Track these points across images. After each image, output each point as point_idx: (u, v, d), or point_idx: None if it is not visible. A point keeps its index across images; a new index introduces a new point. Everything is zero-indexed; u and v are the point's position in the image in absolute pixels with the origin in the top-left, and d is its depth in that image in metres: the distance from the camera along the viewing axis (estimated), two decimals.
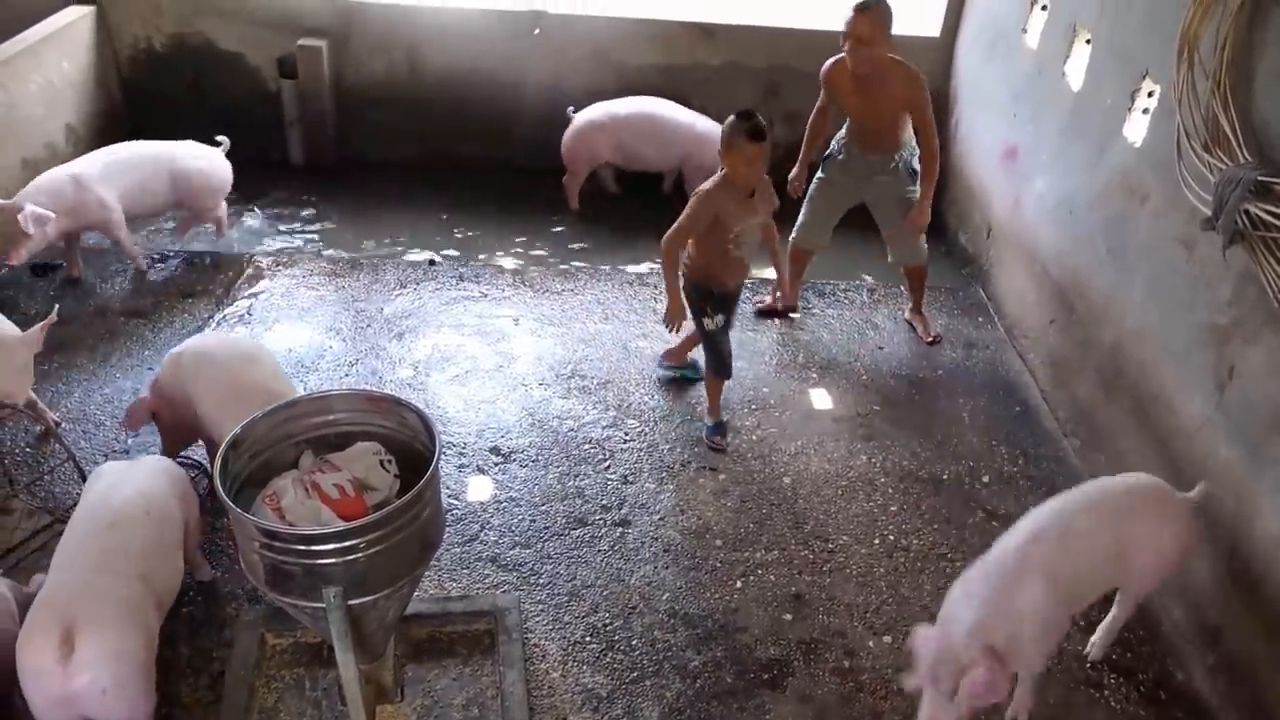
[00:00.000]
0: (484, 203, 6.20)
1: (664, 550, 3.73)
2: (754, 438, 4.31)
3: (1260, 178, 2.89)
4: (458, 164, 6.56)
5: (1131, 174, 3.97)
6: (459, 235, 5.91)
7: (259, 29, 6.20)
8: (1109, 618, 3.30)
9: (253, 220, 5.96)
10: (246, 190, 6.13)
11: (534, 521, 3.81)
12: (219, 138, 5.38)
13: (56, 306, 3.90)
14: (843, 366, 4.82)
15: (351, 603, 2.44)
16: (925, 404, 4.60)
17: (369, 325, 4.89)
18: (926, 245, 4.95)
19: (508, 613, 3.32)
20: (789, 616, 3.50)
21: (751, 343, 4.92)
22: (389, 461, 2.69)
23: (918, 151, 4.61)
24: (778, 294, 4.66)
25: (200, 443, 3.86)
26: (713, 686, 3.23)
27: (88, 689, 2.49)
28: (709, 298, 4.08)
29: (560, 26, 6.23)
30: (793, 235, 4.97)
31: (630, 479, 4.05)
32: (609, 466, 4.11)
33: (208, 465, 3.89)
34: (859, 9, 4.18)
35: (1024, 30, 5.16)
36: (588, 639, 3.36)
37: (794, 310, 5.18)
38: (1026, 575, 2.77)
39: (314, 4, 6.13)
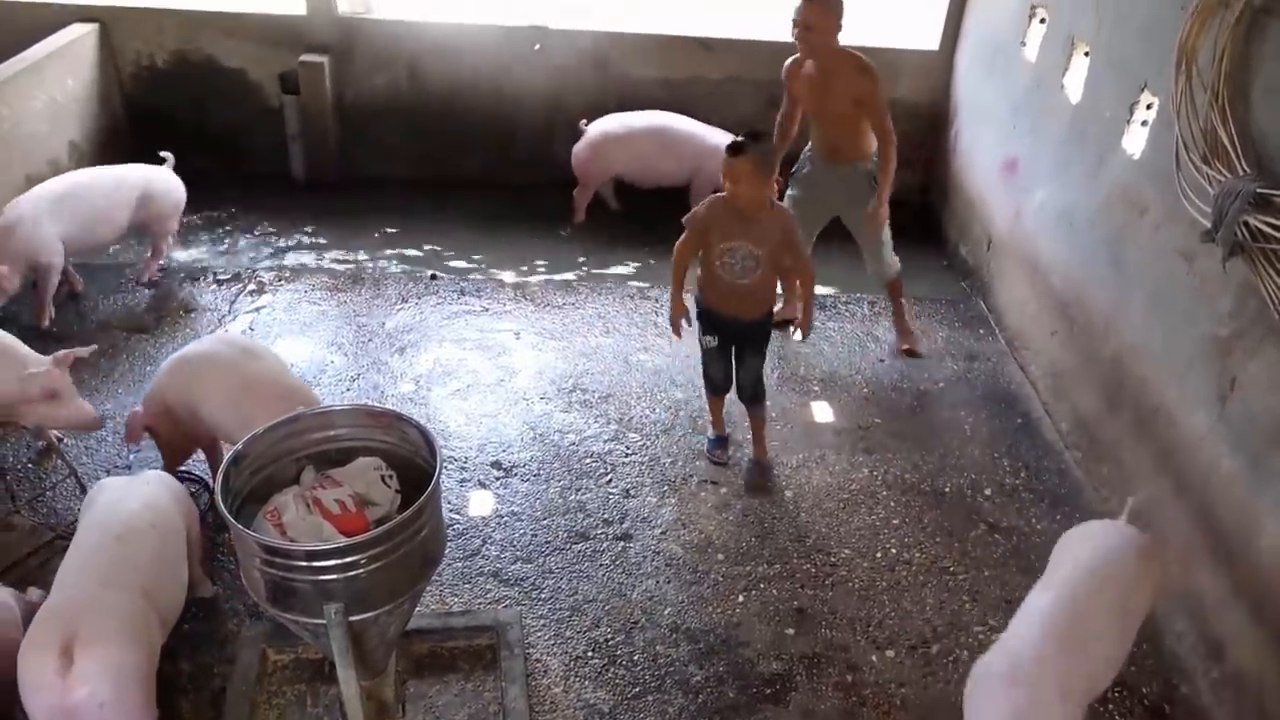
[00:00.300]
0: (485, 217, 6.22)
1: (666, 564, 3.72)
2: None
3: (1259, 190, 2.89)
4: (459, 178, 6.58)
5: (1131, 186, 3.98)
6: (460, 249, 5.92)
7: (261, 46, 6.23)
8: None
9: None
10: (248, 205, 6.18)
11: (535, 536, 3.81)
12: (164, 154, 5.28)
13: (94, 346, 3.89)
14: (844, 379, 4.82)
15: (353, 619, 2.44)
16: (927, 416, 4.60)
17: (370, 340, 4.89)
18: (897, 257, 4.92)
19: (509, 628, 3.31)
20: (791, 631, 3.49)
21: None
22: (390, 477, 2.69)
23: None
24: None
25: (202, 458, 3.87)
26: (715, 702, 3.22)
27: (86, 702, 2.49)
28: (701, 315, 4.05)
29: (561, 41, 6.26)
30: None
31: (632, 493, 4.04)
32: (610, 480, 4.10)
33: (209, 480, 3.90)
34: None
35: (1023, 43, 5.18)
36: (590, 654, 3.35)
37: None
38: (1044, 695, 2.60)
39: (316, 20, 6.16)
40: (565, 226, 6.16)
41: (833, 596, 3.63)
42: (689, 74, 6.32)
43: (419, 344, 4.88)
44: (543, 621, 3.45)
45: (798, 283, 4.20)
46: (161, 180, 5.10)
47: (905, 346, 5.02)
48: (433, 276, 5.51)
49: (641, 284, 5.58)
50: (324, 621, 2.41)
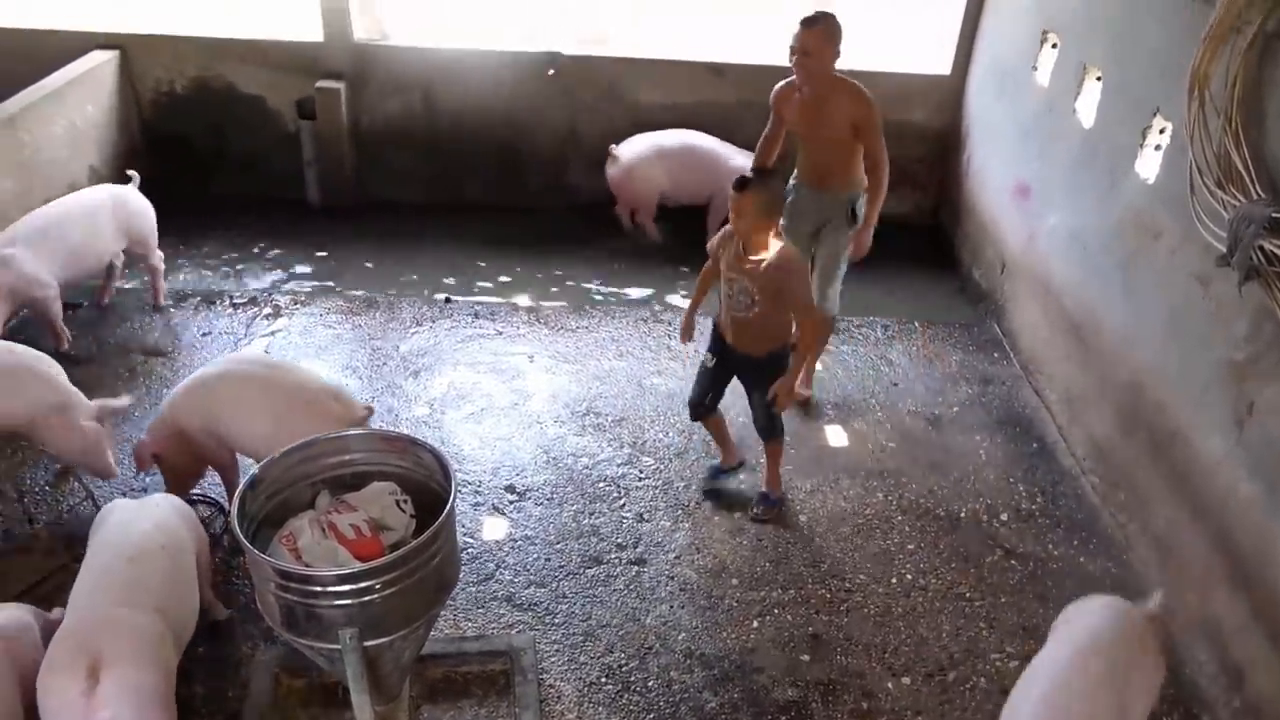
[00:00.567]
0: (499, 241, 6.25)
1: (680, 589, 3.71)
2: None
3: (1274, 214, 2.88)
4: (473, 203, 6.63)
5: (1144, 211, 3.97)
6: (474, 273, 5.95)
7: (279, 72, 6.30)
8: None
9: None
10: (265, 229, 6.23)
11: (549, 560, 3.80)
12: (130, 173, 5.23)
13: (129, 399, 3.93)
14: (857, 403, 4.81)
15: (367, 644, 2.44)
16: (941, 441, 4.58)
17: (385, 363, 4.91)
18: (839, 302, 4.67)
19: (523, 653, 3.30)
20: (806, 657, 3.47)
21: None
22: (405, 501, 2.70)
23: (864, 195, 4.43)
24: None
25: (218, 480, 3.88)
26: None
27: None
28: (712, 333, 4.01)
29: (574, 67, 6.31)
30: None
31: (645, 517, 4.04)
32: (624, 504, 4.10)
33: (224, 503, 3.91)
34: (806, 23, 4.10)
35: (1034, 68, 5.19)
36: (603, 680, 3.33)
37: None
38: None
39: (333, 46, 6.23)
40: (578, 251, 6.17)
41: (848, 622, 3.61)
42: (700, 99, 6.36)
43: (433, 367, 4.90)
44: (556, 647, 3.44)
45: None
46: (134, 200, 5.05)
47: (803, 393, 4.73)
48: (447, 300, 5.54)
49: (655, 308, 5.59)
50: (338, 646, 2.41)
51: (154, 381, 4.67)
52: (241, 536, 2.43)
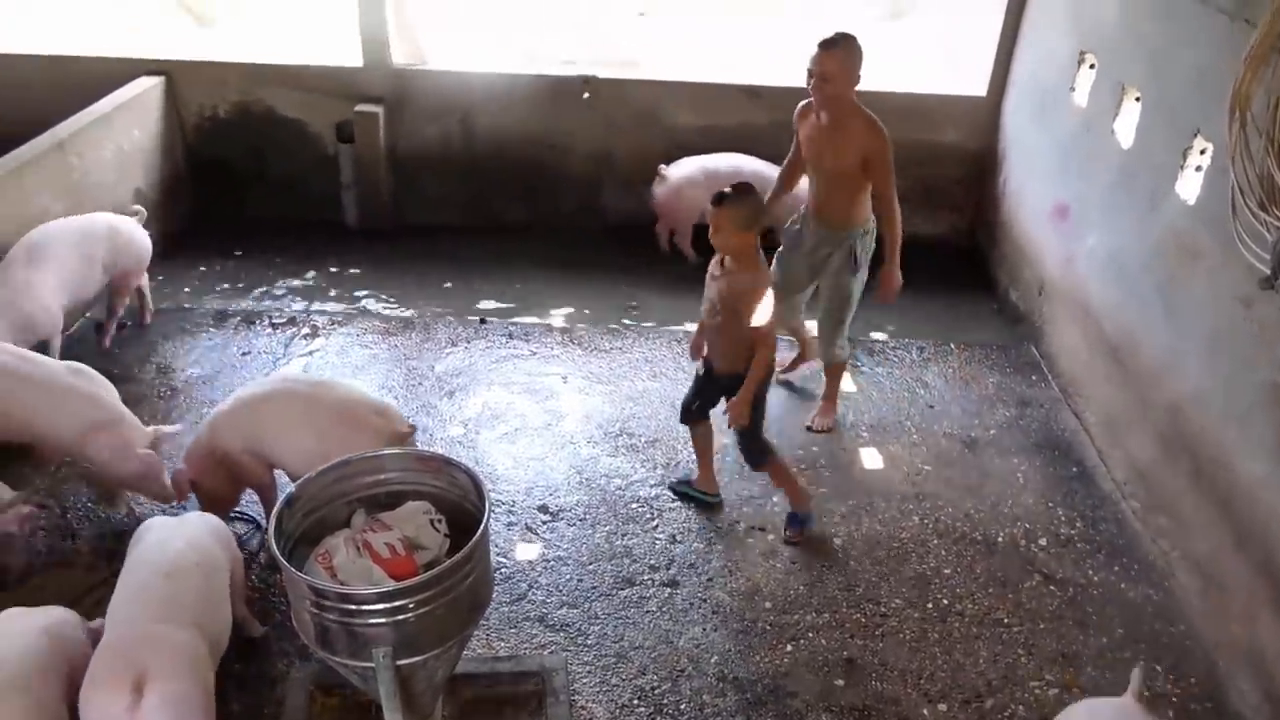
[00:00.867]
0: (534, 263, 6.29)
1: (713, 612, 3.69)
2: None
3: None
4: (508, 225, 6.68)
5: (1185, 232, 3.92)
6: (509, 294, 5.99)
7: (319, 97, 6.41)
8: None
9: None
10: (304, 251, 6.32)
11: (582, 581, 3.80)
12: (136, 207, 5.22)
13: (180, 426, 3.98)
14: (893, 425, 4.78)
15: (401, 662, 2.45)
16: (978, 464, 4.53)
17: (420, 383, 4.96)
18: (848, 344, 4.66)
19: (555, 674, 3.30)
20: (841, 682, 3.43)
21: (800, 401, 4.90)
22: (439, 521, 2.72)
23: (870, 235, 4.32)
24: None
25: (255, 498, 3.93)
26: None
27: None
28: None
29: (609, 90, 6.36)
30: None
31: (678, 539, 4.03)
32: (657, 526, 4.09)
33: (261, 521, 3.95)
34: (824, 45, 3.97)
35: (1072, 88, 5.16)
36: (635, 702, 3.32)
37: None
38: None
39: (372, 71, 6.33)
40: (613, 272, 6.20)
41: (883, 647, 3.57)
42: (736, 121, 6.37)
43: (468, 387, 4.93)
44: (588, 668, 3.44)
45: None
46: (135, 232, 5.01)
47: (822, 424, 4.70)
48: (482, 321, 5.58)
49: (689, 329, 5.59)
50: (372, 665, 2.43)
51: (194, 402, 4.74)
52: (278, 554, 2.45)
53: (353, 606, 2.40)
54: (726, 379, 3.81)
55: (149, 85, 6.17)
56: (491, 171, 6.60)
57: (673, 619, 3.65)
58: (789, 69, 6.44)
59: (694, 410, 4.07)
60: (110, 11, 9.75)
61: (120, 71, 6.20)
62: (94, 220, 4.85)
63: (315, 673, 3.22)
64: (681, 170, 6.05)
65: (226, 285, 5.97)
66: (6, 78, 6.30)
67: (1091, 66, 4.99)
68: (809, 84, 4.05)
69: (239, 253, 6.28)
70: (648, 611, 3.68)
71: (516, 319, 5.70)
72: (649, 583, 3.80)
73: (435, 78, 6.41)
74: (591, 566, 3.87)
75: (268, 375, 4.91)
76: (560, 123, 6.45)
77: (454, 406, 4.79)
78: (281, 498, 2.66)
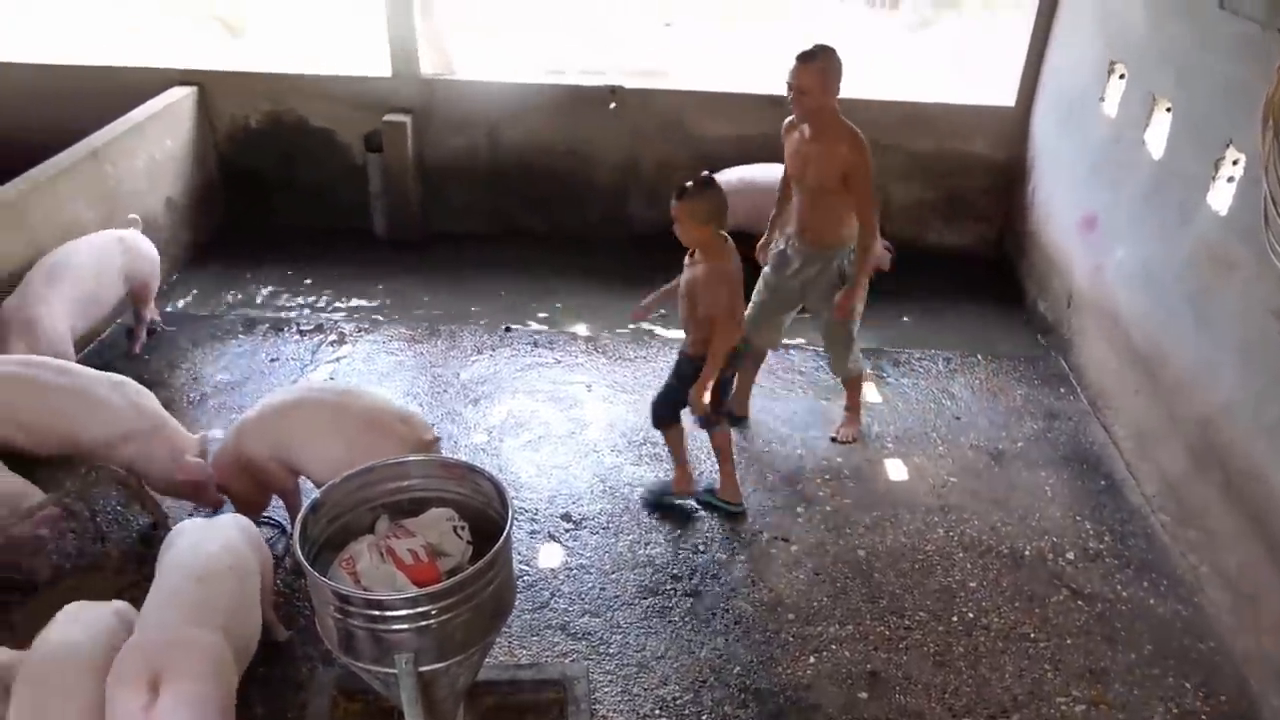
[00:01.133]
0: (559, 271, 6.31)
1: (735, 622, 3.67)
2: (828, 508, 4.25)
3: None
4: (534, 234, 6.71)
5: (1217, 243, 3.88)
6: (534, 303, 6.02)
7: (348, 107, 6.48)
8: None
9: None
10: (332, 259, 6.38)
11: (604, 590, 3.80)
12: (132, 216, 5.24)
13: (203, 433, 4.02)
14: (919, 437, 4.74)
15: (423, 669, 2.46)
16: (1005, 476, 4.49)
17: (445, 390, 4.98)
18: (861, 356, 4.62)
19: (576, 682, 3.29)
20: (864, 695, 3.40)
21: (826, 412, 4.88)
22: (462, 528, 2.73)
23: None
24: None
25: (281, 503, 3.96)
26: None
27: None
28: None
29: (635, 100, 6.38)
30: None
31: (701, 548, 4.02)
32: (680, 535, 4.08)
33: (286, 525, 3.99)
34: (801, 59, 3.91)
35: (1101, 98, 5.12)
36: (657, 712, 3.31)
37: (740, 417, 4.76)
38: None
39: (400, 81, 6.39)
40: (638, 281, 6.18)
41: (907, 661, 3.54)
42: (762, 130, 6.36)
43: (492, 395, 4.95)
44: (610, 677, 3.43)
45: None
46: (143, 244, 5.05)
47: (847, 435, 4.66)
48: (507, 329, 5.60)
49: None
50: (395, 670, 2.43)
51: (224, 408, 4.79)
52: (303, 559, 2.47)
53: (376, 612, 2.41)
54: (690, 362, 3.96)
55: (181, 95, 6.26)
56: (518, 181, 6.63)
57: (695, 629, 3.64)
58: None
59: (666, 414, 4.11)
60: (108, 12, 9.90)
61: (154, 81, 6.30)
62: (103, 236, 4.92)
63: (338, 677, 3.24)
64: (723, 179, 6.00)
65: (256, 292, 6.03)
66: (43, 88, 6.42)
67: (1121, 76, 4.95)
68: (789, 99, 4.00)
69: (268, 260, 6.35)
70: (670, 621, 3.67)
71: (541, 327, 5.72)
72: (671, 592, 3.80)
73: (462, 88, 6.46)
74: (614, 575, 3.86)
75: (294, 383, 4.96)
76: (586, 132, 6.48)
77: (478, 414, 4.81)
78: (307, 503, 2.68)
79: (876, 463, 4.56)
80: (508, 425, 4.73)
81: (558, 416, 4.80)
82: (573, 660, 3.47)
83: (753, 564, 3.94)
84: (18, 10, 8.64)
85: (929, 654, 3.57)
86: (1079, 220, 5.28)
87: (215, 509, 3.90)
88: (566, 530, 4.09)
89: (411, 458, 2.98)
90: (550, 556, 3.95)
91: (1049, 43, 5.94)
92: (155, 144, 5.95)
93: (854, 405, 4.73)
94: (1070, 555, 4.03)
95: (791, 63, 3.94)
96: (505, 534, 2.53)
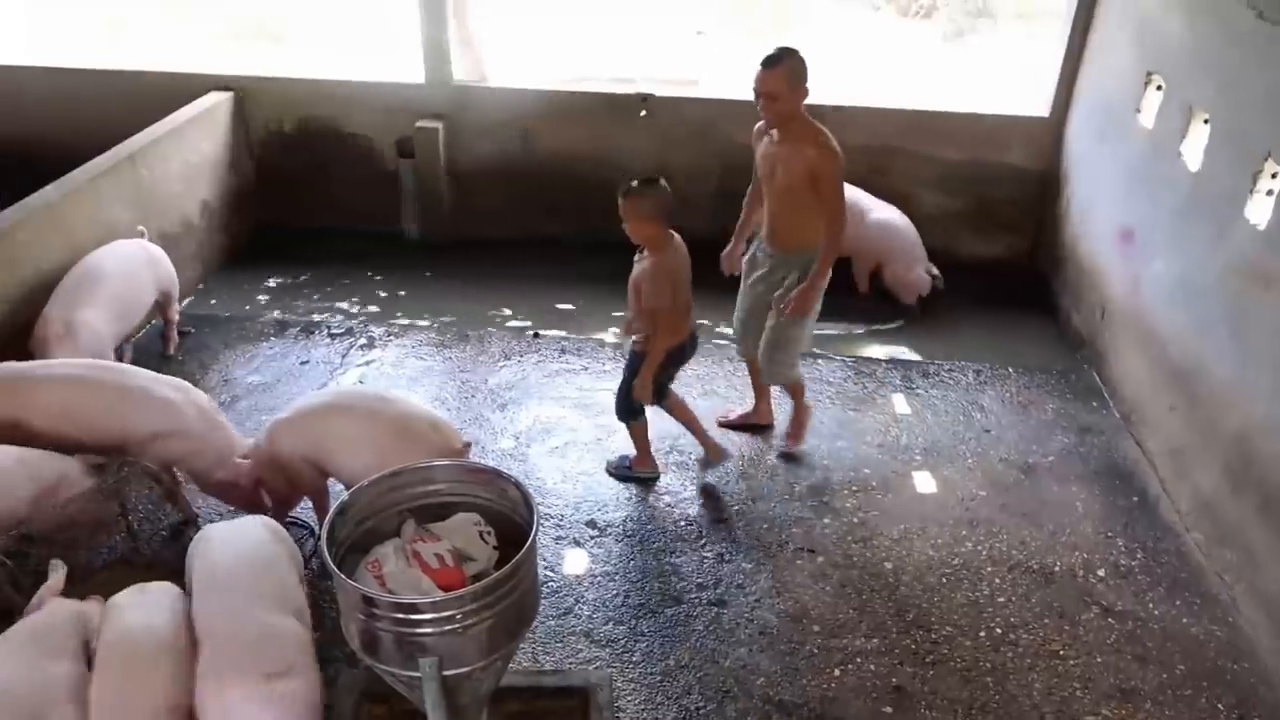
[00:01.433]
0: (588, 278, 6.31)
1: (759, 633, 3.65)
2: (855, 520, 4.22)
3: None
4: (564, 240, 6.72)
5: (1255, 257, 3.82)
6: (563, 309, 6.03)
7: (381, 112, 6.54)
8: None
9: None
10: (364, 263, 6.43)
11: (628, 597, 3.79)
12: (140, 227, 5.23)
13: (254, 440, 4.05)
14: (947, 449, 4.70)
15: (447, 673, 2.46)
16: (1035, 490, 4.44)
17: (473, 395, 5.00)
18: (799, 371, 4.53)
19: (599, 690, 3.28)
20: (889, 709, 3.37)
21: (853, 422, 4.85)
22: (488, 533, 2.73)
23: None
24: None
25: (308, 504, 3.99)
26: None
27: None
28: None
29: (666, 108, 6.39)
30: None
31: (726, 558, 4.00)
32: (705, 544, 4.07)
33: (314, 526, 4.01)
34: (766, 64, 3.88)
35: (1138, 110, 5.06)
36: None
37: (763, 423, 4.78)
38: None
39: (433, 88, 6.43)
40: None
41: (933, 675, 3.50)
42: None
43: (520, 401, 4.96)
44: (633, 685, 3.42)
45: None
46: (157, 252, 5.07)
47: (792, 446, 4.63)
48: (535, 335, 5.62)
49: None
50: (419, 674, 2.44)
51: (255, 410, 4.83)
52: (330, 562, 2.48)
53: (402, 615, 2.42)
54: (639, 356, 4.12)
55: (218, 100, 6.34)
56: (548, 187, 6.65)
57: (719, 639, 3.62)
58: (848, 86, 6.44)
59: (624, 408, 4.26)
60: (147, 18, 10.06)
61: (191, 87, 6.38)
62: (127, 245, 4.95)
63: (363, 680, 3.25)
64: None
65: (288, 295, 6.09)
66: (83, 93, 6.53)
67: (1159, 88, 4.89)
68: (758, 105, 3.97)
69: (301, 264, 6.41)
70: (694, 630, 3.65)
71: (569, 333, 5.73)
72: (696, 601, 3.78)
73: (494, 94, 6.49)
74: (639, 583, 3.86)
75: (325, 387, 5.00)
76: (617, 139, 6.49)
77: (506, 419, 4.82)
78: (334, 506, 2.69)
79: (904, 475, 4.52)
80: (535, 431, 4.74)
81: (585, 423, 4.80)
82: (596, 667, 3.47)
83: (778, 575, 3.92)
84: (57, 16, 8.79)
85: (956, 669, 3.53)
86: (1117, 234, 5.22)
87: (255, 511, 3.92)
88: (591, 537, 4.09)
89: (438, 462, 2.99)
90: (575, 563, 3.95)
91: (1085, 53, 5.88)
92: (192, 148, 6.03)
93: (801, 419, 4.63)
94: (1101, 572, 3.98)
95: (756, 69, 3.93)
96: (531, 540, 2.53)
